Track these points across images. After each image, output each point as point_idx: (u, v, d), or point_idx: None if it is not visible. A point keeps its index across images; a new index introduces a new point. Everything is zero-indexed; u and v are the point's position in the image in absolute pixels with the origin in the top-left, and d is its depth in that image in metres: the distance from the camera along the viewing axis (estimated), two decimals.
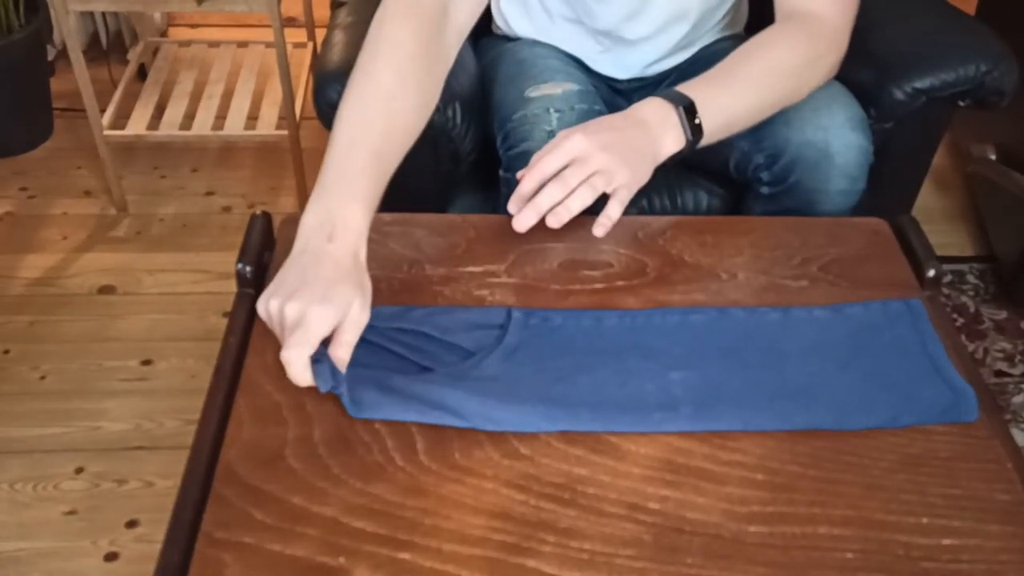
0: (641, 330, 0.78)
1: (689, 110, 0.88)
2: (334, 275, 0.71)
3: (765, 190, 1.04)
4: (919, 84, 1.12)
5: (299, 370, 0.69)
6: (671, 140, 0.87)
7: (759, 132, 1.02)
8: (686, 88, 0.90)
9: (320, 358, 0.69)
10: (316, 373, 0.69)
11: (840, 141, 0.99)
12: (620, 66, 1.19)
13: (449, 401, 0.70)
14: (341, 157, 0.78)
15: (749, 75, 0.94)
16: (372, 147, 0.79)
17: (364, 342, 0.73)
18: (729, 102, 0.91)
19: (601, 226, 0.85)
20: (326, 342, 0.70)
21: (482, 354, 0.75)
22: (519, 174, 0.84)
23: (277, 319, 0.71)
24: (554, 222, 0.82)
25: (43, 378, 1.53)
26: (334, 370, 0.69)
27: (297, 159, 1.86)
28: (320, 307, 0.69)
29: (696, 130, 0.88)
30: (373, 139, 0.80)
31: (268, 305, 0.71)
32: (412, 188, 1.17)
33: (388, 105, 0.83)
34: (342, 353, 0.70)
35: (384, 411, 0.70)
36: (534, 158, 0.84)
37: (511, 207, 0.84)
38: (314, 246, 0.73)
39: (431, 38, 0.88)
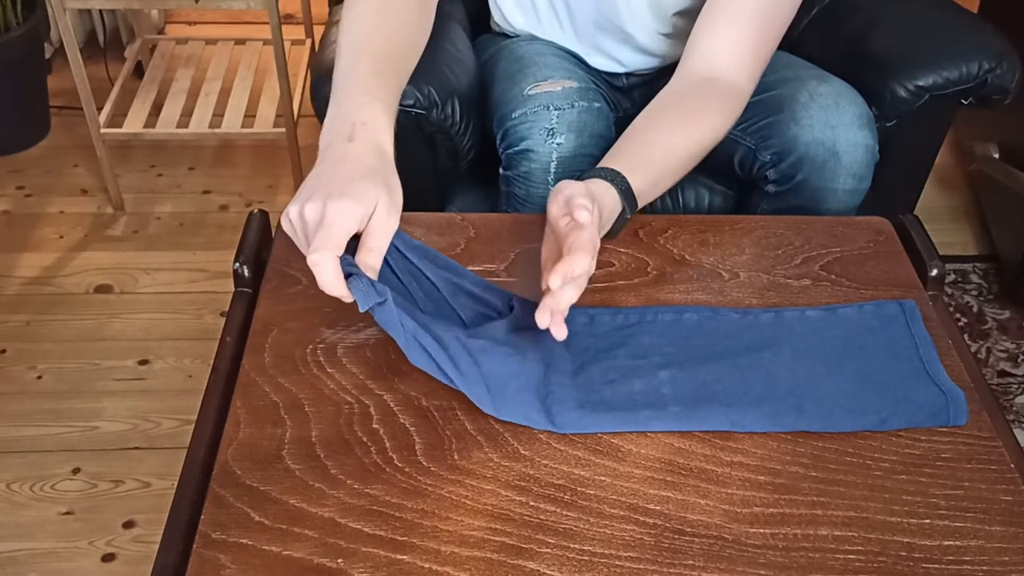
0: (632, 328, 0.78)
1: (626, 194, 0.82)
2: (355, 173, 0.66)
3: (771, 188, 1.03)
4: (922, 82, 1.12)
5: (329, 277, 0.63)
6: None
7: (765, 130, 1.01)
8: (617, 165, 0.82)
9: (354, 272, 0.64)
10: (354, 289, 0.64)
11: (848, 139, 0.98)
12: (616, 63, 1.18)
13: (462, 362, 0.68)
14: (349, 66, 0.74)
15: (670, 160, 0.89)
16: (377, 55, 0.76)
17: (386, 265, 0.68)
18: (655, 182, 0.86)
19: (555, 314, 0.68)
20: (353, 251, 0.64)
21: (481, 324, 0.74)
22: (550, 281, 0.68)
23: (299, 227, 0.66)
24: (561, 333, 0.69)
25: (40, 378, 1.53)
26: (373, 283, 0.64)
27: (295, 157, 1.86)
28: (339, 201, 0.63)
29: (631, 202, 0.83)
30: (377, 48, 0.77)
31: (289, 214, 0.66)
32: (411, 186, 1.17)
33: (385, 19, 0.80)
34: (371, 260, 0.65)
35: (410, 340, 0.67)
36: (567, 261, 0.68)
37: (548, 318, 0.68)
38: (334, 149, 0.68)
39: None
